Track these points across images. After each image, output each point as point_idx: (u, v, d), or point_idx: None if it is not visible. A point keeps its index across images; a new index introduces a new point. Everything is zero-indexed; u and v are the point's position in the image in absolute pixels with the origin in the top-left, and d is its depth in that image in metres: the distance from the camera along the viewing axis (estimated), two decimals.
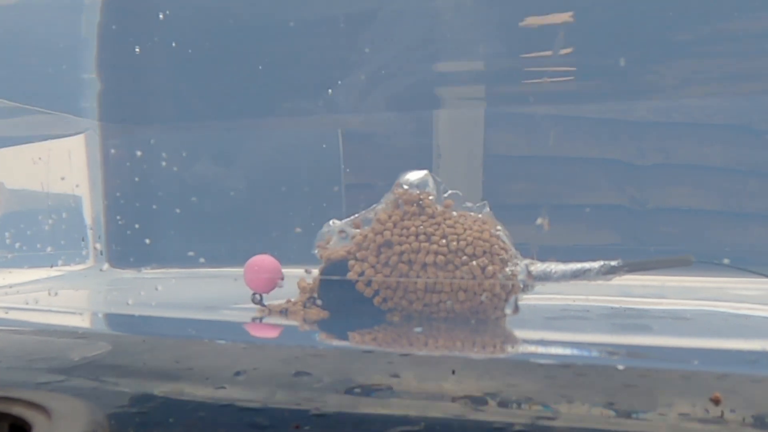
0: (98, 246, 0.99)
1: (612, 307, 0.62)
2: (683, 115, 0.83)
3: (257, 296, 0.61)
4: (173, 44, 0.95)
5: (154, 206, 0.97)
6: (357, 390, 0.34)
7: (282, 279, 0.61)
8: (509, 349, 0.50)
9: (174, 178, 0.98)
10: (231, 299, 0.69)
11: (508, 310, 0.55)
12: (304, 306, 0.59)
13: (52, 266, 0.87)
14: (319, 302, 0.58)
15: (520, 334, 0.55)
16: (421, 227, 0.55)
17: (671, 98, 0.82)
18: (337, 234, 0.59)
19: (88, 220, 0.99)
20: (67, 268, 0.92)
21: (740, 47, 0.78)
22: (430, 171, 0.58)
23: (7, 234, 0.84)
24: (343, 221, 0.59)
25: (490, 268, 0.54)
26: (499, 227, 0.56)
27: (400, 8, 0.89)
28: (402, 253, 0.55)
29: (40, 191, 0.91)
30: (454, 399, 0.32)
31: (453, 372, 0.36)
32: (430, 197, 0.57)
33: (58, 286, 0.83)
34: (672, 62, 0.81)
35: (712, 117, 0.82)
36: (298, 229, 0.74)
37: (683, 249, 0.54)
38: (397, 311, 0.56)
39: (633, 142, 0.83)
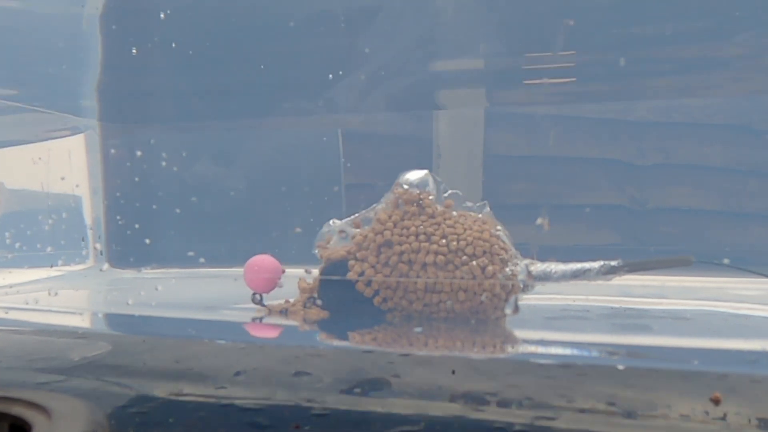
0: (98, 246, 0.99)
1: (612, 307, 0.62)
2: (683, 115, 0.83)
3: (257, 296, 0.61)
4: (173, 44, 0.95)
5: (154, 206, 0.97)
6: (357, 390, 0.34)
7: (283, 272, 0.61)
8: (509, 349, 0.50)
9: (174, 178, 0.98)
10: (231, 299, 0.69)
11: (508, 310, 0.55)
12: (304, 306, 0.59)
13: (52, 266, 0.87)
14: (319, 302, 0.58)
15: (520, 334, 0.55)
16: (421, 227, 0.55)
17: (671, 98, 0.83)
18: (337, 234, 0.59)
19: (88, 220, 0.99)
20: (67, 268, 0.92)
21: (740, 47, 0.78)
22: (430, 171, 0.58)
23: (7, 234, 0.84)
24: (344, 221, 0.59)
25: (490, 268, 0.54)
26: (499, 227, 0.56)
27: (400, 8, 0.89)
28: (402, 253, 0.55)
29: (40, 191, 0.91)
30: (454, 399, 0.32)
31: (453, 372, 0.36)
32: (430, 197, 0.57)
33: (58, 286, 0.83)
34: (672, 62, 0.81)
35: (712, 117, 0.82)
36: (298, 229, 0.74)
37: (683, 249, 0.54)
38: (397, 311, 0.56)
39: (633, 142, 0.83)
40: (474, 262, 0.54)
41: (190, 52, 0.96)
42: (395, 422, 0.30)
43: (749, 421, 0.29)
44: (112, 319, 0.67)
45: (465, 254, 0.54)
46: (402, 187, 0.57)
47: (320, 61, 0.93)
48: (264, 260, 0.61)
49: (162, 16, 0.93)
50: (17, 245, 0.85)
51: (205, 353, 0.43)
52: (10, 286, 0.76)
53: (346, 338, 0.53)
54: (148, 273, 0.95)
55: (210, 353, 0.43)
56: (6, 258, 0.83)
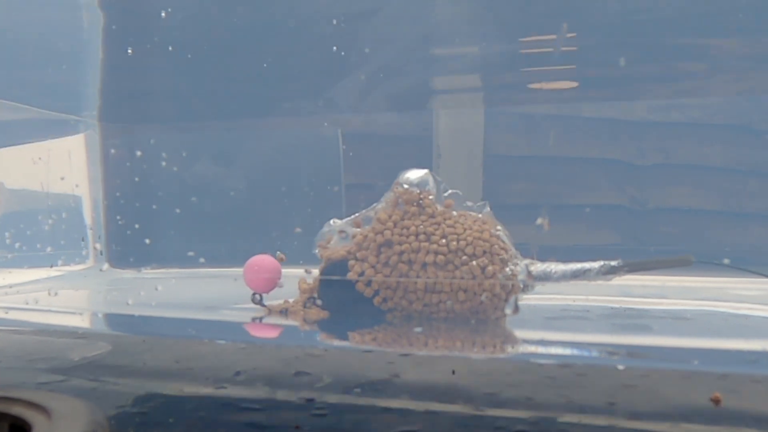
0: (98, 246, 0.99)
1: (612, 307, 0.62)
2: (683, 115, 0.83)
3: (257, 296, 0.61)
4: (173, 44, 0.95)
5: (154, 206, 0.97)
6: (357, 390, 0.34)
7: (284, 260, 0.61)
8: (509, 349, 0.50)
9: (174, 178, 0.98)
10: (231, 299, 0.69)
11: (508, 310, 0.55)
12: (304, 306, 0.59)
13: (52, 266, 0.87)
14: (319, 302, 0.58)
15: (520, 334, 0.55)
16: (421, 227, 0.55)
17: (671, 98, 0.83)
18: (338, 234, 0.59)
19: (88, 220, 0.99)
20: (67, 268, 0.92)
21: (740, 47, 0.78)
22: (430, 171, 0.58)
23: (7, 234, 0.84)
24: (344, 221, 0.59)
25: (490, 268, 0.54)
26: (499, 227, 0.56)
27: (399, 8, 0.89)
28: (402, 252, 0.55)
29: (40, 191, 0.91)
30: (454, 399, 0.32)
31: (453, 372, 0.36)
32: (430, 197, 0.57)
33: (58, 286, 0.83)
34: (672, 62, 0.81)
35: (712, 117, 0.82)
36: (298, 229, 0.74)
37: (683, 249, 0.54)
38: (397, 311, 0.56)
39: (633, 142, 0.83)
40: (474, 262, 0.54)
41: (190, 53, 0.96)
42: (395, 422, 0.30)
43: (749, 421, 0.29)
44: (112, 319, 0.67)
45: (465, 254, 0.54)
46: (402, 187, 0.57)
47: (320, 61, 0.93)
48: (264, 260, 0.61)
49: (163, 14, 0.93)
50: (17, 245, 0.85)
51: (205, 353, 0.43)
52: (10, 286, 0.76)
53: (346, 338, 0.53)
54: (148, 273, 0.95)
55: (210, 353, 0.43)
56: (6, 258, 0.83)
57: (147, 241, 0.92)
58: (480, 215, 0.57)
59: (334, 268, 0.58)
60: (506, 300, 0.55)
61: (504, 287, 0.54)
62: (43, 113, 0.95)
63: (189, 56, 0.96)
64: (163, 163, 0.97)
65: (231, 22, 0.96)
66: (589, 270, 0.53)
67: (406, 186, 0.57)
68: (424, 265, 0.55)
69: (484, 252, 0.54)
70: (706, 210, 0.82)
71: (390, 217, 0.56)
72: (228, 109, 1.00)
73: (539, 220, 0.65)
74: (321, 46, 0.91)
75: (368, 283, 0.56)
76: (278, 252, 0.62)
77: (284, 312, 0.58)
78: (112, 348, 0.45)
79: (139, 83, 1.01)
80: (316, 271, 0.59)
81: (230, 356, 0.42)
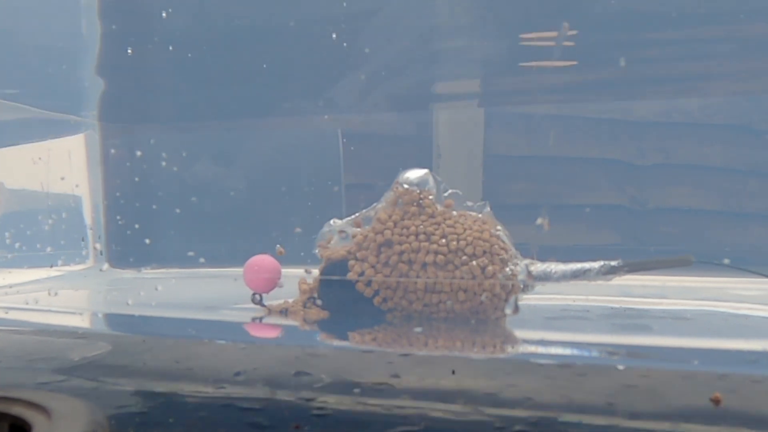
0: (98, 246, 0.99)
1: (612, 307, 0.62)
2: (683, 115, 0.83)
3: (257, 296, 0.61)
4: (173, 44, 0.95)
5: (154, 206, 0.97)
6: (357, 390, 0.34)
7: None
8: (509, 349, 0.50)
9: (174, 178, 0.98)
10: (231, 299, 0.69)
11: (508, 310, 0.55)
12: (304, 306, 0.59)
13: (52, 266, 0.87)
14: (319, 302, 0.58)
15: (520, 334, 0.55)
16: (421, 227, 0.55)
17: (671, 98, 0.83)
18: (338, 234, 0.59)
19: (88, 220, 0.99)
20: (67, 268, 0.92)
21: (740, 47, 0.78)
22: (430, 171, 0.58)
23: (7, 234, 0.84)
24: (344, 221, 0.59)
25: (490, 268, 0.54)
26: (499, 227, 0.56)
27: (399, 8, 0.89)
28: (402, 252, 0.55)
29: (40, 191, 0.91)
30: (454, 399, 0.32)
31: (453, 372, 0.36)
32: (430, 197, 0.57)
33: (58, 286, 0.83)
34: (672, 62, 0.81)
35: (712, 117, 0.82)
36: (298, 229, 0.74)
37: (683, 249, 0.54)
38: (397, 311, 0.56)
39: (633, 142, 0.83)
40: (474, 262, 0.54)
41: (191, 53, 0.96)
42: (395, 422, 0.30)
43: (749, 421, 0.29)
44: (112, 319, 0.67)
45: (465, 254, 0.54)
46: (402, 186, 0.57)
47: (320, 61, 0.93)
48: (264, 260, 0.61)
49: (164, 15, 0.93)
50: (17, 245, 0.85)
51: (205, 353, 0.43)
52: (10, 286, 0.76)
53: (346, 338, 0.53)
54: (148, 273, 0.95)
55: (210, 353, 0.43)
56: (6, 258, 0.83)
57: (147, 241, 0.92)
58: (480, 215, 0.57)
59: (334, 268, 0.58)
60: (506, 300, 0.55)
61: (504, 287, 0.54)
62: (43, 113, 0.95)
63: (189, 56, 0.96)
64: (163, 163, 0.97)
65: (231, 22, 0.96)
66: (589, 270, 0.53)
67: (406, 186, 0.57)
68: (424, 265, 0.55)
69: (484, 252, 0.54)
70: (706, 210, 0.82)
71: (390, 217, 0.56)
72: (228, 109, 1.00)
73: (539, 220, 0.65)
74: (321, 46, 0.91)
75: (368, 283, 0.56)
76: (278, 246, 0.62)
77: (284, 312, 0.58)
78: (112, 348, 0.45)
79: (139, 83, 1.01)
80: (316, 271, 0.59)
81: (230, 356, 0.42)
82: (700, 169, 0.81)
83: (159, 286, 0.82)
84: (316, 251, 0.60)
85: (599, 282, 0.54)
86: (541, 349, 0.48)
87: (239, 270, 0.61)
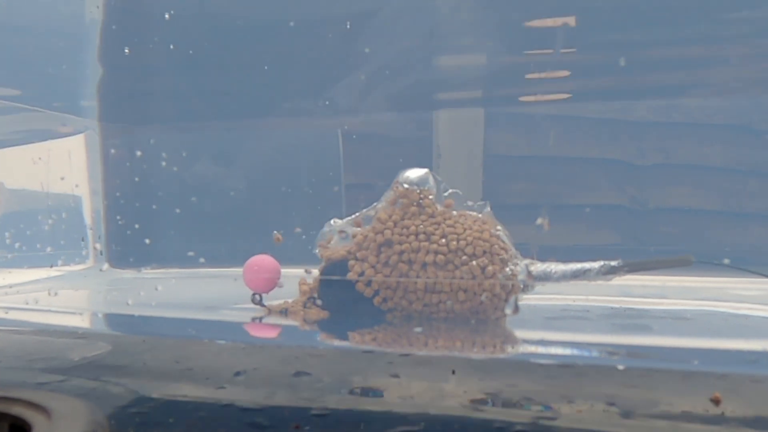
0: (98, 246, 0.99)
1: (612, 307, 0.62)
2: (683, 115, 0.83)
3: (257, 296, 0.61)
4: (173, 44, 0.95)
5: (154, 206, 0.97)
6: (357, 390, 0.34)
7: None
8: (509, 349, 0.50)
9: (174, 178, 0.98)
10: (231, 299, 0.69)
11: (508, 310, 0.55)
12: (304, 306, 0.59)
13: (52, 266, 0.87)
14: (319, 302, 0.58)
15: (520, 334, 0.55)
16: (421, 226, 0.55)
17: (671, 98, 0.82)
18: (338, 234, 0.59)
19: (88, 220, 0.99)
20: (67, 268, 0.92)
21: (740, 47, 0.78)
22: (430, 170, 0.58)
23: (7, 234, 0.84)
24: (344, 220, 0.59)
25: (490, 268, 0.54)
26: (499, 227, 0.56)
27: (399, 8, 0.89)
28: (402, 252, 0.55)
29: (40, 191, 0.91)
30: (454, 399, 0.32)
31: (453, 372, 0.36)
32: (430, 196, 0.57)
33: (58, 286, 0.83)
34: (672, 62, 0.81)
35: (712, 117, 0.82)
36: (298, 229, 0.74)
37: (683, 249, 0.54)
38: (397, 311, 0.56)
39: (633, 142, 0.83)
40: (474, 262, 0.54)
41: (190, 53, 0.96)
42: (395, 422, 0.30)
43: (749, 421, 0.29)
44: (112, 319, 0.67)
45: (465, 254, 0.54)
46: (402, 186, 0.57)
47: (320, 61, 0.93)
48: (264, 260, 0.61)
49: (167, 16, 0.93)
50: (17, 245, 0.85)
51: (205, 353, 0.43)
52: (10, 286, 0.76)
53: (346, 338, 0.53)
54: (148, 273, 0.95)
55: (210, 353, 0.43)
56: (6, 258, 0.83)
57: (147, 241, 0.92)
58: (480, 215, 0.57)
59: (334, 268, 0.58)
60: (506, 300, 0.55)
61: (504, 287, 0.54)
62: (43, 113, 0.95)
63: (189, 56, 0.96)
64: (163, 163, 0.97)
65: (231, 22, 0.96)
66: (589, 270, 0.53)
67: (406, 185, 0.57)
68: (424, 264, 0.55)
69: (484, 252, 0.54)
70: (706, 210, 0.82)
71: (390, 216, 0.56)
72: (228, 109, 1.00)
73: (539, 220, 0.65)
74: (321, 46, 0.91)
75: (368, 283, 0.56)
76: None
77: (284, 312, 0.58)
78: (112, 348, 0.45)
79: (139, 83, 1.01)
80: (316, 271, 0.59)
81: (230, 356, 0.42)
82: (700, 169, 0.81)
83: (159, 286, 0.82)
84: (316, 251, 0.60)
85: (599, 282, 0.53)
86: (541, 349, 0.48)
87: (239, 270, 0.61)
